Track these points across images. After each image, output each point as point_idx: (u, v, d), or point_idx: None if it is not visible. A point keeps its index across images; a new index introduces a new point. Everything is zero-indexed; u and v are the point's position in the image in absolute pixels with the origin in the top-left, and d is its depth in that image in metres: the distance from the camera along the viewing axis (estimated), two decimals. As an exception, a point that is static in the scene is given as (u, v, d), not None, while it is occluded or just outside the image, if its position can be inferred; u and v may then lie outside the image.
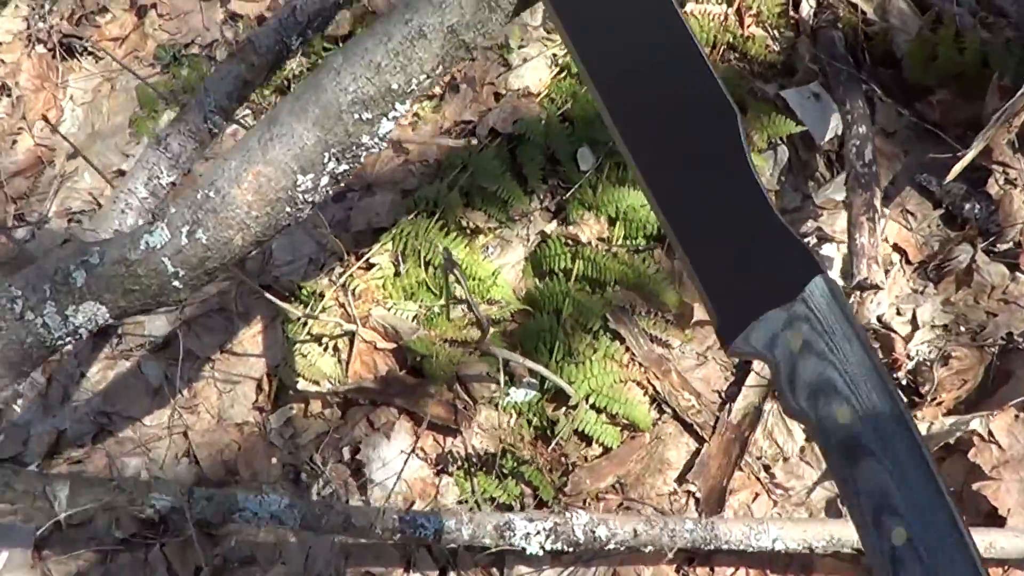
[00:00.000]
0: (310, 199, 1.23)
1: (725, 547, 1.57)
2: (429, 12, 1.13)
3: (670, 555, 1.59)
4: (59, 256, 1.22)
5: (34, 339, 1.21)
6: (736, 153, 0.79)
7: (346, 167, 1.23)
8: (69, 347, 1.49)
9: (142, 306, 1.25)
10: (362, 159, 1.24)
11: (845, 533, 1.54)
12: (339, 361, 1.91)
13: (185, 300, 1.28)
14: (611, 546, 1.58)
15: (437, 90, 2.15)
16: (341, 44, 2.11)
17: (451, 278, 1.76)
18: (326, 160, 1.19)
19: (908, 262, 1.83)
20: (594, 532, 1.57)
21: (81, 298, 1.20)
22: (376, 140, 1.21)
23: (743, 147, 0.79)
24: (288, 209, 1.20)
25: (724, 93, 0.81)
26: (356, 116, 1.17)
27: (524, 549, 1.58)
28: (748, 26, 1.99)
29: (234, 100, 1.69)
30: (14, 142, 2.23)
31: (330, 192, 1.25)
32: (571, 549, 1.60)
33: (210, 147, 1.73)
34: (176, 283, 1.20)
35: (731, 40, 1.98)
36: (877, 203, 1.74)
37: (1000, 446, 1.57)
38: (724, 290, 0.79)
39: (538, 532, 1.58)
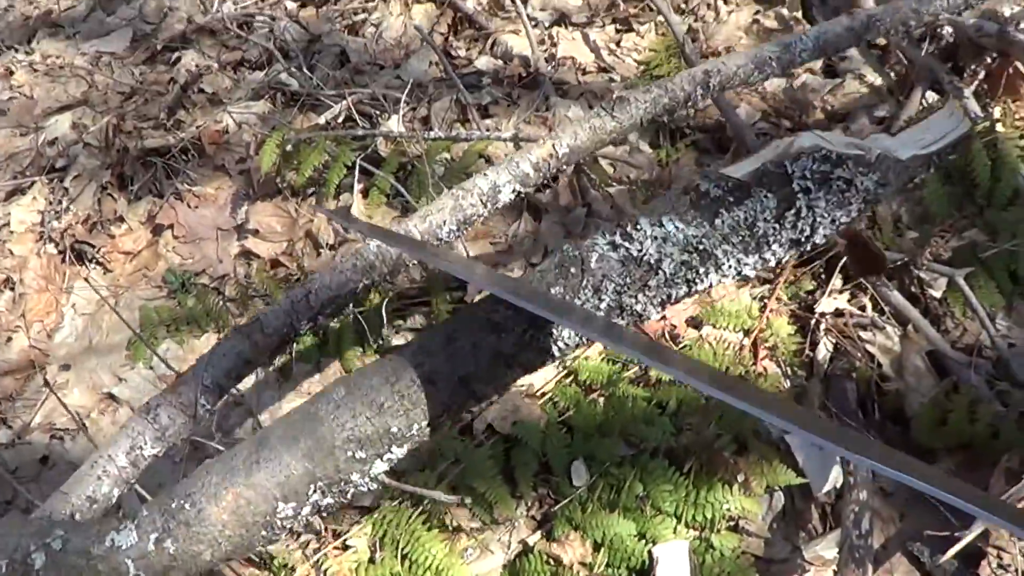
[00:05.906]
0: (288, 526, 1.18)
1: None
2: (441, 359, 1.12)
3: None
4: (21, 532, 1.18)
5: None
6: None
7: (331, 501, 1.20)
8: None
9: (98, 601, 1.19)
10: (349, 496, 1.21)
11: None
12: (305, 645, 1.87)
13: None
14: None
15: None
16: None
17: None
18: (311, 492, 1.15)
19: (895, 641, 1.79)
20: None
21: (37, 583, 1.13)
22: (367, 480, 1.19)
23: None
24: (264, 533, 1.16)
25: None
26: (349, 454, 1.14)
27: None
28: (762, 359, 1.95)
29: (232, 379, 1.62)
30: (9, 339, 2.17)
31: (310, 519, 1.23)
32: None
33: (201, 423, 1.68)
34: (135, 585, 1.15)
35: (743, 372, 1.94)
36: (868, 581, 1.69)
37: None
38: None
39: None
